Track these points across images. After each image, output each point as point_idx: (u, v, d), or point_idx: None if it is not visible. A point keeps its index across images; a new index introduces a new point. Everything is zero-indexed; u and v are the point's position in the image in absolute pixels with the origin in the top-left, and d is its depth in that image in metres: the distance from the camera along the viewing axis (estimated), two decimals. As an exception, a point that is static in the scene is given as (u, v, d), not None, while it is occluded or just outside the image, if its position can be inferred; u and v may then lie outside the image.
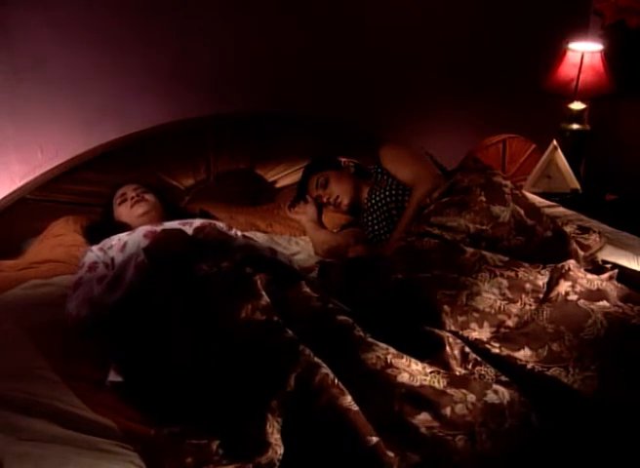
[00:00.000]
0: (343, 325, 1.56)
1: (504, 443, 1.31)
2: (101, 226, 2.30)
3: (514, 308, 1.67)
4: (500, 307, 1.67)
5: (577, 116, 3.19)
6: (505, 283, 1.73)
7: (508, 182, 2.10)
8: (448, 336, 1.54)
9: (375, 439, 1.27)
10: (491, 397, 1.38)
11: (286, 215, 2.63)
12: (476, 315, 1.65)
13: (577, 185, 3.06)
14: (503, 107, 3.21)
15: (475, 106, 3.19)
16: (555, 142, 3.04)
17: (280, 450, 1.29)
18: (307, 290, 1.71)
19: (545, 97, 3.16)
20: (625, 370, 1.46)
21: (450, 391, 1.40)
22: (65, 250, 2.27)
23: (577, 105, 3.18)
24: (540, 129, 3.19)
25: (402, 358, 1.46)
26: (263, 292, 1.64)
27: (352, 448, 1.27)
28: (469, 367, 1.49)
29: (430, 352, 1.51)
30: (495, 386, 1.41)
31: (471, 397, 1.38)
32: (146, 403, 1.52)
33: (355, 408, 1.32)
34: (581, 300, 1.63)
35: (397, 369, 1.43)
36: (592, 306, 1.61)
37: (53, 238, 2.35)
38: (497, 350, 1.55)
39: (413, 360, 1.46)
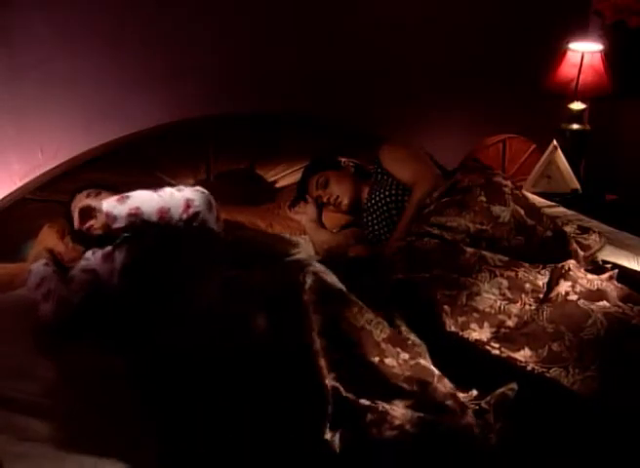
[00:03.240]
0: None
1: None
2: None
3: (514, 308, 1.67)
4: (500, 307, 1.67)
5: (577, 116, 3.19)
6: (505, 283, 1.73)
7: (508, 182, 2.10)
8: None
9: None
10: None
11: (286, 215, 2.62)
12: (476, 315, 1.64)
13: (577, 185, 3.06)
14: (503, 107, 3.21)
15: (475, 106, 3.19)
16: (555, 142, 3.04)
17: None
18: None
19: (545, 97, 3.16)
20: (625, 370, 1.46)
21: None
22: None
23: (577, 105, 3.18)
24: (540, 129, 3.19)
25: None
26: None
27: None
28: None
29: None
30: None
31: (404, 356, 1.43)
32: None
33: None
34: (581, 300, 1.63)
35: None
36: (592, 306, 1.61)
37: (39, 244, 2.32)
38: (497, 351, 1.55)
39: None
